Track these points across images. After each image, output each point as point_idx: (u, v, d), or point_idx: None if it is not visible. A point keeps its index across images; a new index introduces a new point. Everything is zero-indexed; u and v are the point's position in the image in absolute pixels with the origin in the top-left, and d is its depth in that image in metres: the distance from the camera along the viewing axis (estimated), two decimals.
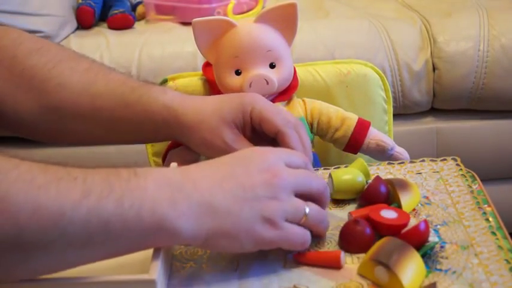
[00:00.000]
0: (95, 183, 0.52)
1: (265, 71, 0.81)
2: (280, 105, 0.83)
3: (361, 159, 0.73)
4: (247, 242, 0.56)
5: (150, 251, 0.57)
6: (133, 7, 1.79)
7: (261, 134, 0.70)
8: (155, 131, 0.72)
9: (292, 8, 0.81)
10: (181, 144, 0.76)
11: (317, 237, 0.62)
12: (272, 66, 0.81)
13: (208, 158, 0.71)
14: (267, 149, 0.61)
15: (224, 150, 0.67)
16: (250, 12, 1.72)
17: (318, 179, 0.62)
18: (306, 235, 0.59)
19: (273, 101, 0.84)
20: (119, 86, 0.72)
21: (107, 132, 0.73)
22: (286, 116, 0.69)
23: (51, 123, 0.73)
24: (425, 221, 0.60)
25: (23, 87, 0.72)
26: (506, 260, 0.58)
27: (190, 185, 0.55)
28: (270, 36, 0.81)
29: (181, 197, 0.54)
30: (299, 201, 0.58)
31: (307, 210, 0.58)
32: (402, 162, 0.77)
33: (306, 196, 0.59)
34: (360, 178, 0.70)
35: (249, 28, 0.81)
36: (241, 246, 0.57)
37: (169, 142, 0.80)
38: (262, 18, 0.81)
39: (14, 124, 0.74)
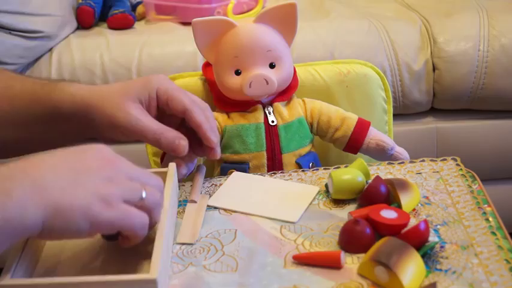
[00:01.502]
0: None
1: (265, 71, 0.81)
2: (280, 105, 0.83)
3: (361, 159, 0.73)
4: (83, 222, 0.55)
5: (150, 251, 0.57)
6: (133, 7, 1.78)
7: (167, 117, 0.71)
8: (66, 122, 0.71)
9: (292, 8, 0.81)
10: None
11: (152, 224, 0.61)
12: (272, 66, 0.81)
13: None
14: (114, 156, 0.60)
15: (129, 126, 0.67)
16: (250, 12, 1.72)
17: (156, 185, 0.61)
18: (144, 218, 0.58)
19: (273, 101, 0.84)
20: (31, 85, 0.74)
21: (29, 134, 0.74)
22: (192, 97, 0.71)
23: None
24: (425, 221, 0.60)
25: None
26: (506, 260, 0.58)
27: (20, 172, 0.55)
28: (269, 36, 0.81)
29: (14, 185, 0.53)
30: (136, 184, 0.59)
31: (143, 194, 0.58)
32: (402, 162, 0.77)
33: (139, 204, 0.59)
34: (360, 178, 0.70)
35: (248, 28, 0.81)
36: (77, 229, 0.55)
37: None
38: (262, 18, 0.81)
39: None
